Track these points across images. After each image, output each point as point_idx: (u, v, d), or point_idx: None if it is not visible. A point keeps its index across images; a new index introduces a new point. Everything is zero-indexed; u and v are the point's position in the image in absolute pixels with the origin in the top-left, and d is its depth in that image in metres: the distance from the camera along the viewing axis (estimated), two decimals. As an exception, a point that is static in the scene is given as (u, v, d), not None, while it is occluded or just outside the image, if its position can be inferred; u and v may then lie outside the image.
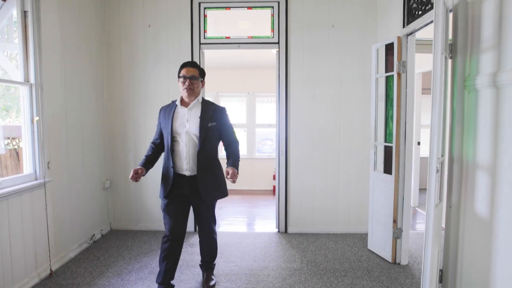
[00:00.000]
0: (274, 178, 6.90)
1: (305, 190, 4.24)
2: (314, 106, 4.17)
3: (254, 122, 7.21)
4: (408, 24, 3.16)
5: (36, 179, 3.05)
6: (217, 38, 4.18)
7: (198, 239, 2.95)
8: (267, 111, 7.24)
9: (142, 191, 4.25)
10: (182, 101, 2.68)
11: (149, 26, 4.14)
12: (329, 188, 4.23)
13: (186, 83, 2.59)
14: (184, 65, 2.65)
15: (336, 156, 4.20)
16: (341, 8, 4.08)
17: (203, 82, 2.73)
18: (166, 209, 2.65)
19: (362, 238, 4.04)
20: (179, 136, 2.60)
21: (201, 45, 4.15)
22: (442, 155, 2.41)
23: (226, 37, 4.19)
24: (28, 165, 3.04)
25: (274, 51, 5.34)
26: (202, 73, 2.71)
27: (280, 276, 3.11)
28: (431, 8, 2.77)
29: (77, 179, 3.63)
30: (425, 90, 5.74)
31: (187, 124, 2.60)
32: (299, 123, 4.21)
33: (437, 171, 2.14)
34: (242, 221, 4.93)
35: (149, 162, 2.70)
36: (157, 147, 2.77)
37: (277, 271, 3.21)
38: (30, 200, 2.93)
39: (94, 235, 3.91)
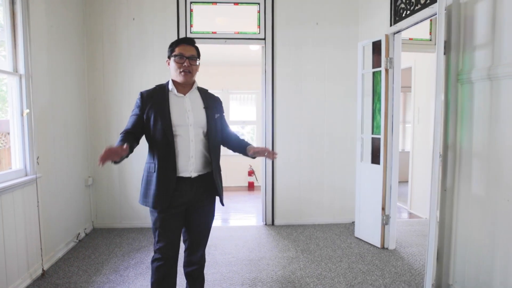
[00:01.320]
0: (249, 174, 6.99)
1: (291, 183, 4.36)
2: (300, 101, 4.30)
3: (227, 119, 7.21)
4: (395, 23, 3.37)
5: (26, 175, 2.89)
6: (203, 33, 4.17)
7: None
8: (241, 108, 7.30)
9: (126, 187, 4.14)
10: (176, 86, 2.11)
11: (134, 19, 4.04)
12: (314, 181, 4.38)
13: (185, 63, 2.04)
14: (180, 42, 2.09)
15: (321, 149, 4.35)
16: (325, 6, 4.24)
17: (198, 66, 2.15)
18: (162, 225, 2.05)
19: (347, 227, 4.23)
20: (181, 129, 2.03)
21: (188, 39, 4.12)
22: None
23: (212, 32, 4.19)
24: (17, 161, 2.87)
25: (252, 48, 5.45)
26: (199, 55, 2.15)
27: (280, 264, 3.19)
28: (420, 9, 2.99)
29: (63, 175, 3.47)
30: (404, 88, 6.07)
31: (190, 115, 2.07)
32: (285, 117, 4.32)
33: (440, 156, 2.34)
34: (227, 216, 4.96)
35: (128, 142, 1.90)
36: (131, 136, 2.01)
37: (275, 260, 3.29)
38: (22, 197, 2.78)
39: (79, 233, 3.76)
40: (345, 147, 4.36)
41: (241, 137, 2.30)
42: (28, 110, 2.86)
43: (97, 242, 3.71)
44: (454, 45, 2.54)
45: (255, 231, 4.14)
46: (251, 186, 6.94)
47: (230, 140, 2.29)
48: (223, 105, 2.36)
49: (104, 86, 4.06)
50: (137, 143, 2.08)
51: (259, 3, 4.21)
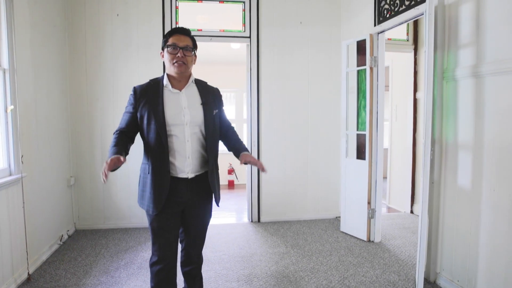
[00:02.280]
0: (229, 173, 6.99)
1: (276, 181, 4.40)
2: (284, 99, 4.36)
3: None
4: (379, 23, 3.49)
5: (10, 175, 2.77)
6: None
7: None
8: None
9: (110, 186, 4.04)
10: (171, 80, 2.00)
11: (118, 14, 3.95)
12: (298, 177, 4.45)
13: (178, 54, 1.92)
14: (174, 31, 1.97)
15: (305, 146, 4.43)
16: (308, 7, 4.32)
17: (195, 57, 2.04)
18: (158, 226, 1.99)
19: (331, 222, 4.33)
20: (176, 128, 1.94)
21: (173, 37, 4.08)
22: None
23: (198, 30, 4.17)
24: (1, 159, 2.74)
25: (233, 46, 5.46)
26: (195, 45, 2.02)
27: (272, 260, 3.23)
28: (405, 10, 3.11)
29: (47, 175, 3.35)
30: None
31: (187, 113, 1.96)
32: (270, 115, 4.36)
33: (431, 150, 2.45)
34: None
35: (123, 148, 1.90)
36: (125, 136, 1.99)
37: (267, 256, 3.32)
38: (6, 198, 2.66)
39: (62, 235, 3.63)
40: (328, 145, 4.46)
41: (240, 138, 2.23)
42: (12, 107, 2.74)
43: (82, 243, 3.60)
44: (439, 44, 2.66)
45: (242, 228, 4.15)
46: (231, 185, 6.94)
47: (227, 138, 2.22)
48: None
49: (87, 83, 3.94)
50: (132, 142, 2.04)
51: (244, 2, 4.23)
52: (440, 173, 2.72)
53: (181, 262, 2.24)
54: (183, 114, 1.95)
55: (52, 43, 3.51)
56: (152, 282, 2.07)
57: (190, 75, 2.05)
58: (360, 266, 3.08)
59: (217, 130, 2.11)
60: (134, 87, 1.99)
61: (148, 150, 1.98)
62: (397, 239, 3.73)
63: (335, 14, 4.38)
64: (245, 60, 4.44)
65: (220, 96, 2.19)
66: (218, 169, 2.17)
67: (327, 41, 4.38)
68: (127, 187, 4.05)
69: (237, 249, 3.50)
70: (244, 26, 4.27)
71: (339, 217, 4.50)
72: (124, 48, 3.99)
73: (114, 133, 1.99)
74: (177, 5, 4.10)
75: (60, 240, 3.57)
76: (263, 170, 2.04)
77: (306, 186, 4.47)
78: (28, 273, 2.86)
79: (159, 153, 1.93)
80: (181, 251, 2.21)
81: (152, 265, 2.06)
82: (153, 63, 4.03)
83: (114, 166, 1.74)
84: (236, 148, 2.16)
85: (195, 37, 2.06)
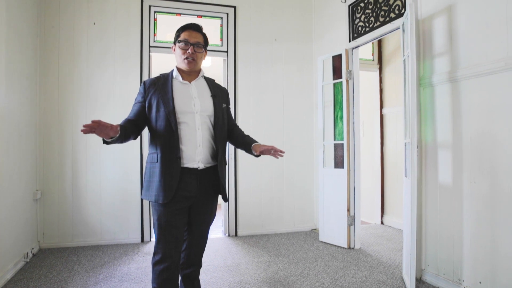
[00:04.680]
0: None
1: (253, 194, 4.39)
2: (260, 113, 4.44)
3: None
4: (354, 39, 3.74)
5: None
6: (166, 42, 4.15)
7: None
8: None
9: (80, 201, 3.80)
10: (181, 73, 2.04)
11: (94, 23, 3.87)
12: (274, 190, 4.47)
13: (189, 50, 1.97)
14: (186, 27, 2.02)
15: (280, 159, 4.49)
16: (283, 24, 4.53)
17: (205, 53, 2.10)
18: (167, 221, 1.92)
19: (309, 234, 4.37)
20: (186, 116, 1.94)
21: (150, 48, 4.06)
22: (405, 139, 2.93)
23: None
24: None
25: (205, 64, 5.51)
26: (206, 42, 2.08)
27: (259, 267, 3.18)
28: (379, 25, 3.37)
29: (13, 187, 3.08)
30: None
31: (197, 102, 1.98)
32: (246, 128, 4.39)
33: (417, 147, 2.62)
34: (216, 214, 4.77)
35: (125, 129, 1.85)
36: (133, 125, 1.95)
37: (253, 264, 3.26)
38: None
39: (27, 253, 3.32)
40: (302, 156, 4.56)
41: (246, 134, 2.24)
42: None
43: (50, 261, 3.30)
44: (415, 55, 2.90)
45: (220, 241, 4.05)
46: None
47: (234, 134, 2.22)
48: None
49: (58, 91, 3.76)
50: (137, 133, 1.99)
51: (221, 18, 4.34)
52: (421, 172, 2.89)
53: (181, 264, 2.15)
54: (193, 104, 1.98)
55: (24, 49, 3.34)
56: (154, 282, 1.96)
57: (200, 70, 2.09)
58: (347, 269, 3.12)
59: (225, 124, 2.13)
60: (144, 81, 2.05)
61: (157, 139, 1.95)
62: (375, 246, 3.83)
63: (307, 32, 4.62)
64: (220, 75, 4.49)
65: (227, 94, 2.25)
66: (226, 164, 2.16)
67: (300, 56, 4.59)
68: (98, 201, 3.83)
69: (221, 260, 3.40)
70: (222, 40, 4.35)
71: (315, 229, 4.55)
72: (99, 57, 3.89)
73: (123, 120, 1.96)
74: (155, 17, 4.11)
75: (26, 258, 3.25)
76: (280, 152, 1.98)
77: (282, 198, 4.49)
78: (-5, 291, 2.57)
79: (169, 140, 1.91)
80: (182, 252, 2.13)
81: (155, 264, 1.96)
82: (130, 76, 3.95)
83: (105, 129, 1.65)
84: (246, 142, 2.14)
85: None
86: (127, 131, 1.87)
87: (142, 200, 3.94)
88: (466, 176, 2.53)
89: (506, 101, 2.26)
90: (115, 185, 3.88)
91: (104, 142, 1.79)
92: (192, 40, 1.99)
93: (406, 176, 2.89)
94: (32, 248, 3.49)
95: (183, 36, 2.00)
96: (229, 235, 4.32)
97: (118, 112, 3.87)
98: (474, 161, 2.48)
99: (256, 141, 2.13)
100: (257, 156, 2.07)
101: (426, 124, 2.86)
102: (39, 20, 3.71)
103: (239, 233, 4.33)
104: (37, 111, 3.68)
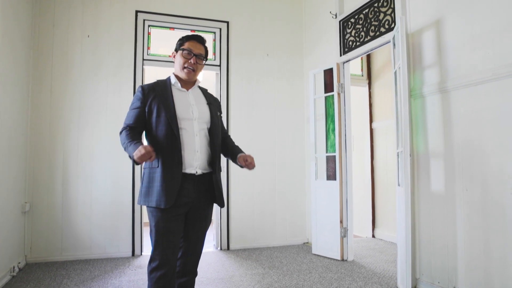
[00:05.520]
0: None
1: (245, 208, 4.37)
2: (252, 126, 4.47)
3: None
4: (345, 53, 3.84)
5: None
6: (160, 56, 4.19)
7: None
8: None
9: (71, 213, 3.72)
10: (179, 81, 2.08)
11: (88, 36, 3.90)
12: (266, 204, 4.46)
13: (191, 60, 2.03)
14: (191, 38, 2.07)
15: (272, 174, 4.50)
16: (274, 39, 4.63)
17: (203, 65, 2.16)
18: (165, 227, 1.90)
19: (301, 247, 4.35)
20: (185, 122, 1.97)
21: (144, 61, 4.09)
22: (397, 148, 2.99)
23: (169, 56, 4.23)
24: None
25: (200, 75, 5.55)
26: (207, 54, 2.15)
27: (253, 279, 3.14)
28: (370, 40, 3.48)
29: (1, 199, 3.01)
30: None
31: (195, 109, 2.03)
32: (238, 141, 4.40)
33: (410, 155, 2.67)
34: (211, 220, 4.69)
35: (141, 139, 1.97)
36: (137, 133, 1.98)
37: (247, 276, 3.22)
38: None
39: (14, 267, 3.21)
40: (294, 170, 4.58)
41: (234, 142, 2.31)
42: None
43: (38, 275, 3.20)
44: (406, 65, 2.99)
45: (213, 255, 4.00)
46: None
47: (225, 143, 2.25)
48: None
49: (51, 103, 3.73)
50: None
51: (215, 32, 4.42)
52: (413, 181, 2.94)
53: (176, 273, 2.11)
54: (191, 111, 2.02)
55: (17, 59, 3.33)
56: None
57: (196, 80, 2.15)
58: (342, 280, 3.11)
59: (220, 132, 2.17)
60: (141, 85, 2.05)
61: (157, 144, 1.95)
62: (368, 258, 3.83)
63: (298, 47, 4.73)
64: (211, 90, 4.53)
65: (220, 104, 2.33)
66: (221, 170, 2.18)
67: (291, 71, 4.67)
68: (89, 213, 3.76)
69: (214, 272, 3.35)
70: (215, 55, 4.41)
71: (307, 243, 4.54)
72: (93, 69, 3.89)
73: (122, 130, 1.99)
74: (149, 31, 4.16)
75: (12, 272, 3.15)
76: (251, 166, 2.06)
77: (274, 211, 4.48)
78: (-19, 304, 2.47)
79: (170, 145, 1.92)
80: (177, 260, 2.10)
81: (152, 271, 1.92)
82: (123, 89, 3.96)
83: (149, 155, 1.77)
84: (234, 152, 2.19)
85: (167, 63, 2.17)
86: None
87: (133, 212, 3.88)
88: (458, 184, 2.58)
89: (494, 110, 2.34)
90: (106, 196, 3.82)
91: (136, 163, 1.82)
92: (196, 51, 2.05)
93: (399, 185, 2.93)
94: (19, 262, 3.38)
95: (187, 45, 2.04)
96: (221, 249, 4.27)
97: (111, 124, 3.86)
98: (465, 169, 2.54)
99: (243, 152, 2.17)
100: (242, 167, 2.12)
101: (418, 134, 2.93)
102: (33, 32, 3.71)
103: (231, 246, 4.28)
104: (28, 122, 3.64)
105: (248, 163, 2.06)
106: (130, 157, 1.84)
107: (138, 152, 1.74)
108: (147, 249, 4.14)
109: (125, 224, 3.87)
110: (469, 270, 2.48)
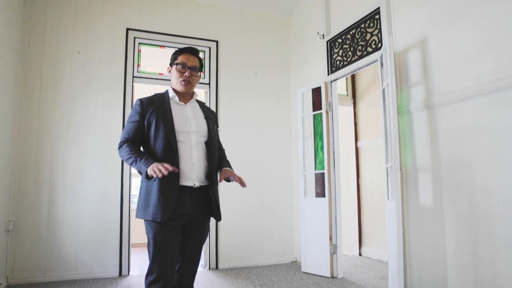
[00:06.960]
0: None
1: (233, 227, 4.33)
2: (241, 143, 4.49)
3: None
4: (332, 72, 3.96)
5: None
6: (150, 74, 4.22)
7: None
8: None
9: (56, 231, 3.60)
10: (177, 94, 2.10)
11: (79, 52, 3.90)
12: (255, 222, 4.44)
13: (186, 73, 2.05)
14: (184, 51, 2.10)
15: (261, 192, 4.49)
16: (262, 59, 4.74)
17: (200, 76, 2.19)
18: (163, 239, 1.89)
19: (290, 266, 4.32)
20: (183, 135, 1.99)
21: (134, 78, 4.10)
22: (387, 164, 3.06)
23: (159, 73, 4.26)
24: None
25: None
26: (201, 66, 2.18)
27: (245, 297, 3.09)
28: (357, 59, 3.61)
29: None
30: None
31: (193, 123, 2.05)
32: (228, 159, 4.42)
33: (400, 168, 2.74)
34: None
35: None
36: (138, 146, 2.02)
37: (238, 295, 3.17)
38: None
39: (-6, 289, 3.07)
40: (282, 188, 4.60)
41: (226, 157, 2.31)
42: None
43: (19, 297, 3.07)
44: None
45: (202, 274, 3.92)
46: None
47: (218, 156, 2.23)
48: None
49: (39, 119, 3.67)
50: None
51: (204, 51, 4.49)
52: (402, 195, 3.00)
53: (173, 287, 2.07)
54: (189, 124, 2.04)
55: (6, 73, 3.29)
56: None
57: (193, 93, 2.17)
58: (334, 296, 3.10)
59: (217, 145, 2.19)
60: (139, 99, 2.07)
61: (155, 157, 1.95)
62: (357, 275, 3.83)
63: (285, 66, 4.85)
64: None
65: (216, 117, 2.39)
66: (218, 184, 2.17)
67: (279, 89, 4.77)
68: (75, 231, 3.65)
69: (204, 291, 3.29)
70: (204, 73, 4.47)
71: (295, 261, 4.51)
72: (83, 86, 3.87)
73: (121, 144, 2.01)
74: (139, 48, 4.19)
75: (-8, 293, 3.01)
76: (243, 185, 2.07)
77: (262, 229, 4.45)
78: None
79: (168, 158, 1.93)
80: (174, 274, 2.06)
81: (150, 284, 1.89)
82: (113, 106, 3.94)
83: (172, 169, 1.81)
84: (221, 164, 2.19)
85: (157, 80, 2.18)
86: None
87: (121, 230, 3.79)
88: (446, 197, 2.66)
89: (478, 124, 2.45)
90: (94, 213, 3.73)
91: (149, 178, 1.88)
92: (190, 63, 2.07)
93: (388, 199, 2.99)
94: (0, 284, 3.23)
95: (180, 59, 2.07)
96: (209, 268, 4.19)
97: (100, 141, 3.83)
98: (453, 183, 2.62)
99: (230, 167, 2.18)
100: (228, 181, 2.11)
101: (406, 149, 3.02)
102: (23, 47, 3.69)
103: (220, 265, 4.21)
104: (15, 138, 3.56)
105: (241, 181, 2.07)
106: (140, 172, 1.89)
107: (161, 167, 1.78)
108: (135, 269, 4.03)
109: (113, 242, 3.76)
110: (459, 281, 2.52)
